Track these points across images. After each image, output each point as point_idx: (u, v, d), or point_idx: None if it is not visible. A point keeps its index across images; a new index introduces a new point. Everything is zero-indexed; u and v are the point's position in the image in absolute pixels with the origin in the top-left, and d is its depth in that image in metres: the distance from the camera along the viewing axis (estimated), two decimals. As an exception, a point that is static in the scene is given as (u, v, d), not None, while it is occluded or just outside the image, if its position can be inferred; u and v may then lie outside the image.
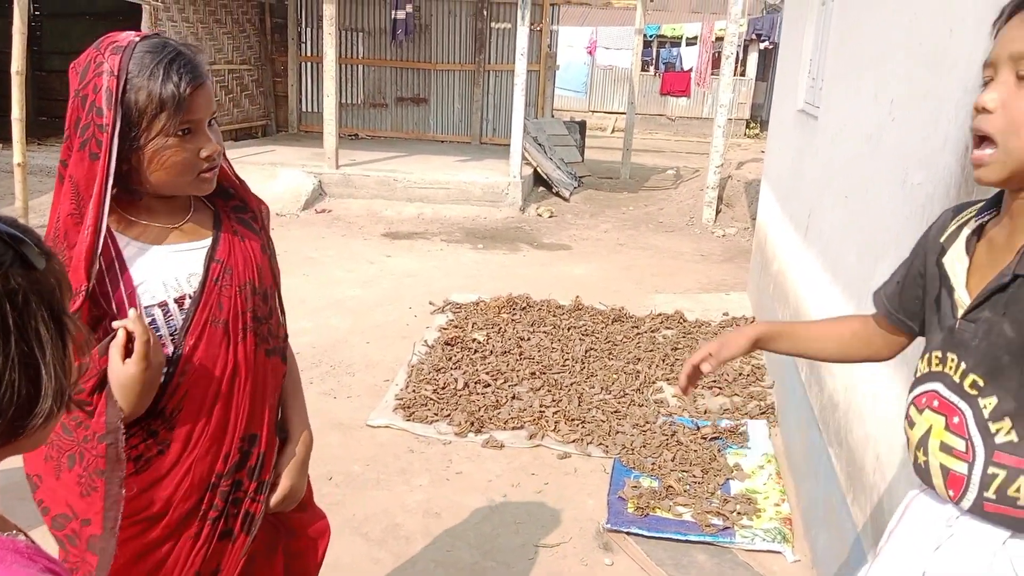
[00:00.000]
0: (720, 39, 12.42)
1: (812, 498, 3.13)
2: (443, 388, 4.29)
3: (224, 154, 1.48)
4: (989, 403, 1.12)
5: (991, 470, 1.12)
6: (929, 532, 1.23)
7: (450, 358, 4.69)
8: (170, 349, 1.42)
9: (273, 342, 1.57)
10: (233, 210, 1.57)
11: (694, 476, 3.50)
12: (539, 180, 10.71)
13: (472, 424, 3.91)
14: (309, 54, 13.17)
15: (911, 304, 1.37)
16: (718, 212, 9.59)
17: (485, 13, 12.62)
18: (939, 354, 1.21)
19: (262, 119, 13.22)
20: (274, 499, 1.59)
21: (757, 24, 19.00)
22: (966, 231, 1.22)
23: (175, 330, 1.43)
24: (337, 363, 4.72)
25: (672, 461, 3.62)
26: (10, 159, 8.01)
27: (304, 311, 5.62)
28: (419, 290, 6.18)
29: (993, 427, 1.12)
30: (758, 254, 5.97)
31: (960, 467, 1.16)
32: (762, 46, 19.76)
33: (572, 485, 3.48)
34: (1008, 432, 1.10)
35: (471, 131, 13.13)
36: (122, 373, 1.31)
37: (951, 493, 1.18)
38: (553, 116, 13.64)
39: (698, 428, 3.94)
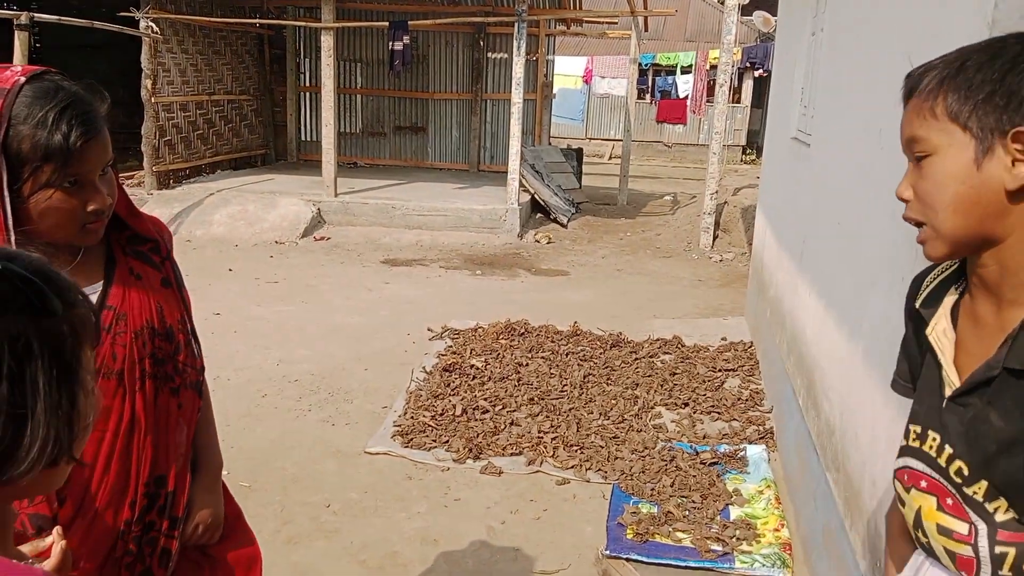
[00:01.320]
0: (714, 67, 12.56)
1: (811, 523, 3.13)
2: (441, 414, 4.29)
3: (118, 184, 1.40)
4: (980, 487, 1.10)
5: (998, 549, 1.10)
6: None
7: (448, 384, 4.70)
8: None
9: (179, 379, 1.49)
10: (128, 242, 1.48)
11: (693, 501, 3.49)
12: (537, 207, 10.78)
13: (470, 450, 3.91)
14: (308, 84, 13.30)
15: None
16: (715, 238, 9.64)
17: (482, 44, 12.78)
18: (918, 429, 1.17)
19: (261, 148, 13.32)
20: (189, 530, 1.55)
21: (751, 52, 19.21)
22: (948, 300, 1.17)
23: None
24: (335, 390, 4.72)
25: (671, 487, 3.61)
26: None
27: (303, 338, 5.63)
28: (417, 316, 6.20)
29: (990, 507, 1.10)
30: (755, 279, 6.00)
31: (966, 550, 1.13)
32: (757, 74, 19.96)
33: (571, 511, 3.48)
34: (1006, 511, 1.08)
35: (469, 159, 13.23)
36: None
37: (964, 573, 1.16)
38: (550, 143, 13.75)
39: (697, 453, 3.94)
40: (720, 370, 5.09)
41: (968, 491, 1.10)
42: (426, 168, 13.20)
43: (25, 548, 1.23)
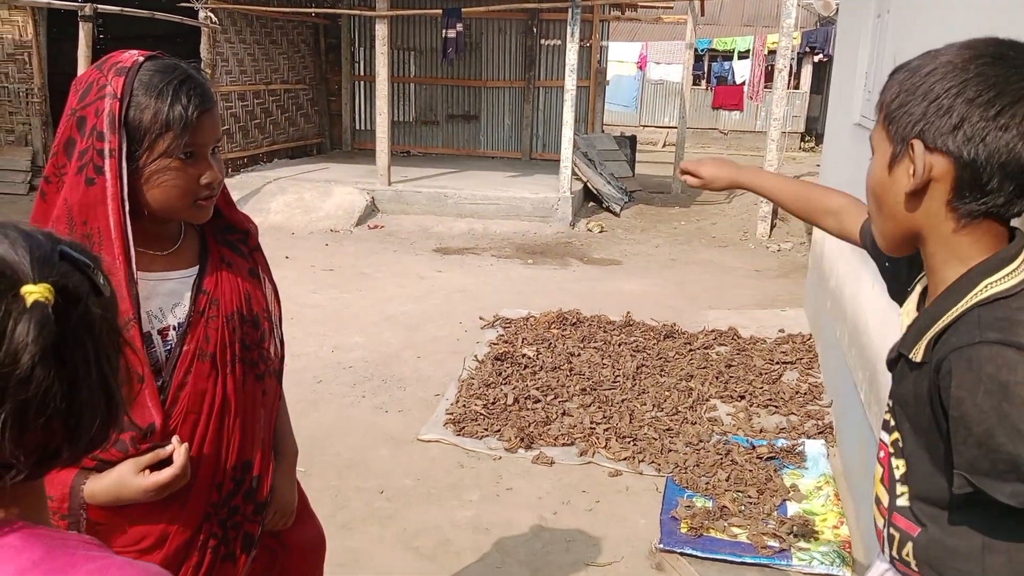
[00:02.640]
0: (773, 52, 12.28)
1: (873, 521, 3.04)
2: (493, 403, 4.29)
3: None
4: (900, 464, 1.14)
5: (890, 531, 1.15)
6: None
7: (500, 373, 4.70)
8: (157, 383, 1.37)
9: (263, 366, 1.53)
10: (221, 231, 1.53)
11: (749, 497, 3.43)
12: (589, 195, 10.70)
13: (522, 440, 3.90)
14: (362, 73, 13.40)
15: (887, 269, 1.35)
16: (773, 227, 9.44)
17: (535, 30, 12.70)
18: (890, 401, 1.19)
19: (317, 137, 13.48)
20: (268, 515, 1.57)
21: (811, 37, 18.74)
22: (920, 285, 1.19)
23: (156, 363, 1.37)
24: (389, 377, 4.76)
25: (727, 481, 3.55)
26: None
27: (357, 326, 5.69)
28: (469, 305, 6.21)
29: (899, 489, 1.14)
30: (814, 269, 5.86)
31: (880, 522, 1.20)
32: (816, 59, 19.47)
33: (623, 504, 3.44)
34: (905, 497, 1.12)
35: (521, 147, 13.19)
36: (130, 485, 1.29)
37: (880, 546, 1.22)
38: (603, 131, 13.63)
39: (753, 447, 3.86)
40: (778, 362, 4.99)
41: (894, 463, 1.15)
42: (478, 156, 13.20)
43: (145, 459, 1.32)
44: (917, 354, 1.05)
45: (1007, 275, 1.00)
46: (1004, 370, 0.93)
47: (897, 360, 1.12)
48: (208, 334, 1.41)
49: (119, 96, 1.27)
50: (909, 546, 1.12)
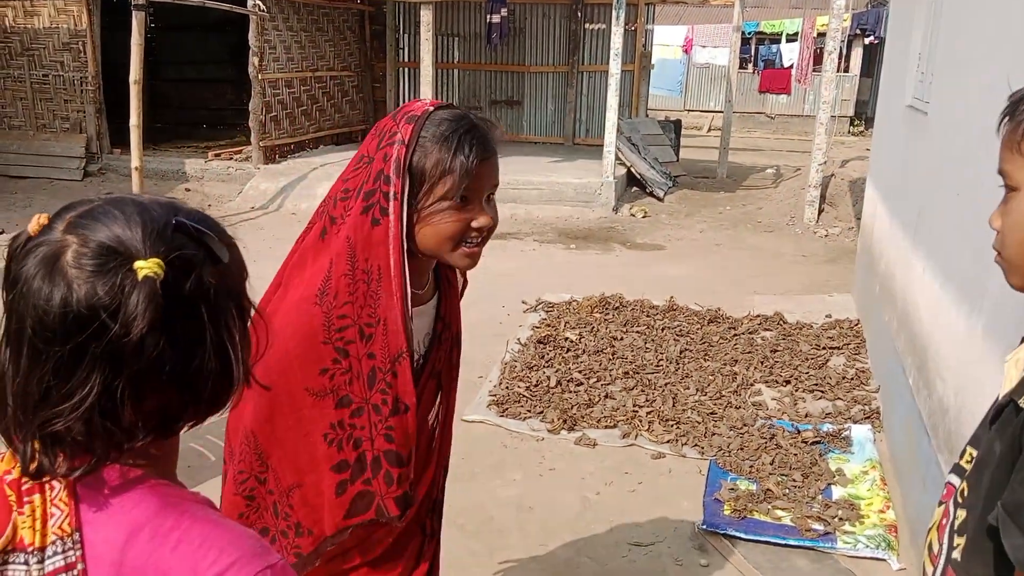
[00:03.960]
0: (822, 35, 12.04)
1: (920, 506, 3.00)
2: (536, 386, 4.32)
3: None
4: (961, 514, 1.08)
5: None
6: None
7: (543, 356, 4.72)
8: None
9: (456, 383, 1.69)
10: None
11: (794, 480, 3.41)
12: (632, 180, 10.63)
13: (565, 422, 3.92)
14: (406, 60, 13.45)
15: None
16: (820, 212, 9.29)
17: (579, 15, 12.61)
18: (970, 448, 1.14)
19: (362, 123, 13.59)
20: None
21: (862, 18, 18.29)
22: None
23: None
24: (433, 360, 4.81)
25: (771, 464, 3.54)
26: (128, 163, 8.53)
27: (401, 309, 5.75)
28: (512, 289, 6.23)
29: (957, 540, 1.08)
30: (864, 254, 5.77)
31: (928, 570, 1.14)
32: (867, 41, 19.00)
33: (666, 485, 3.45)
34: (961, 549, 1.06)
35: (564, 132, 13.14)
36: None
37: None
38: (647, 116, 13.51)
39: (798, 432, 3.83)
40: (824, 348, 4.93)
41: (956, 513, 1.08)
42: (521, 142, 13.17)
43: None
44: None
45: None
46: None
47: (1003, 407, 1.05)
48: (440, 355, 1.55)
49: (406, 142, 1.34)
50: None
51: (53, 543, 0.76)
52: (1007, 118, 1.04)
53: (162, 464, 0.84)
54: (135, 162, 8.11)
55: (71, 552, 0.76)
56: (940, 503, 1.16)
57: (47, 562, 0.76)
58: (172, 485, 0.82)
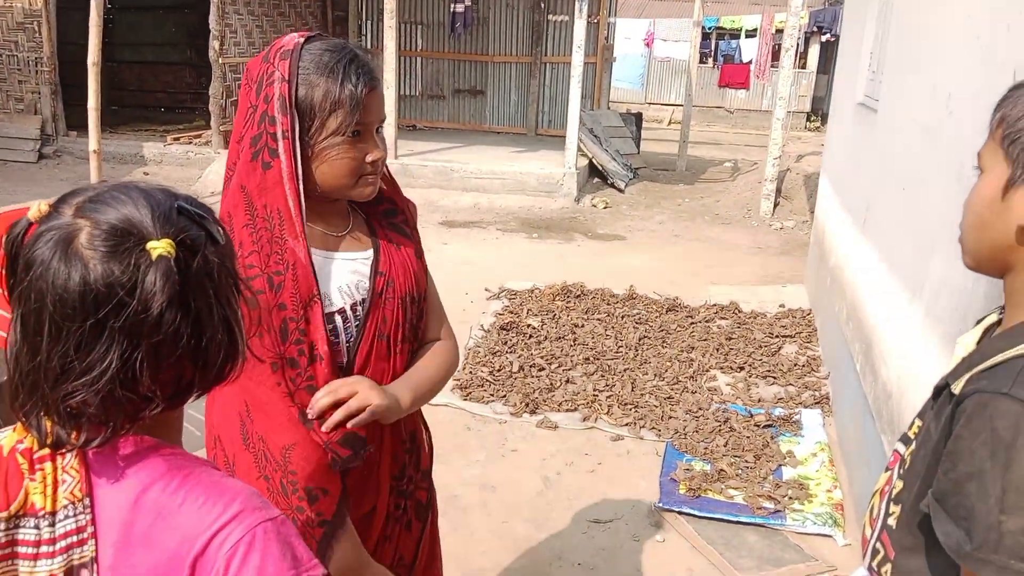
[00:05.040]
0: (780, 31, 12.28)
1: (865, 485, 3.16)
2: (499, 370, 4.41)
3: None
4: (899, 485, 1.12)
5: (876, 544, 1.15)
6: None
7: (506, 342, 4.81)
8: (344, 358, 1.43)
9: (417, 344, 1.57)
10: (384, 215, 1.56)
11: (746, 461, 3.55)
12: (594, 171, 10.76)
13: (527, 405, 4.02)
14: (369, 46, 13.40)
15: None
16: (776, 205, 9.51)
17: (543, 6, 12.68)
18: (918, 420, 1.17)
19: (323, 110, 13.51)
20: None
21: (819, 16, 18.65)
22: (991, 317, 1.15)
23: (350, 339, 1.44)
24: (397, 345, 4.87)
25: (724, 447, 3.68)
26: (84, 146, 8.40)
27: (365, 295, 5.79)
28: (475, 277, 6.30)
29: (893, 508, 1.13)
30: (816, 247, 5.95)
31: (868, 532, 1.19)
32: (824, 38, 19.39)
33: (625, 466, 3.57)
34: (896, 517, 1.11)
35: (527, 123, 13.22)
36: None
37: (862, 554, 1.22)
38: (609, 108, 13.64)
39: (751, 416, 3.98)
40: (777, 336, 5.10)
41: (895, 483, 1.14)
42: (484, 131, 13.23)
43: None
44: (957, 387, 1.01)
45: None
46: (1011, 430, 0.90)
47: (942, 389, 1.08)
48: (386, 315, 1.47)
49: (287, 78, 1.31)
50: (888, 567, 1.11)
51: (64, 507, 0.82)
52: (997, 107, 1.07)
53: (170, 433, 0.90)
54: (93, 145, 7.97)
55: (82, 516, 0.81)
56: (887, 469, 1.21)
57: (58, 525, 0.81)
58: (179, 451, 0.88)
